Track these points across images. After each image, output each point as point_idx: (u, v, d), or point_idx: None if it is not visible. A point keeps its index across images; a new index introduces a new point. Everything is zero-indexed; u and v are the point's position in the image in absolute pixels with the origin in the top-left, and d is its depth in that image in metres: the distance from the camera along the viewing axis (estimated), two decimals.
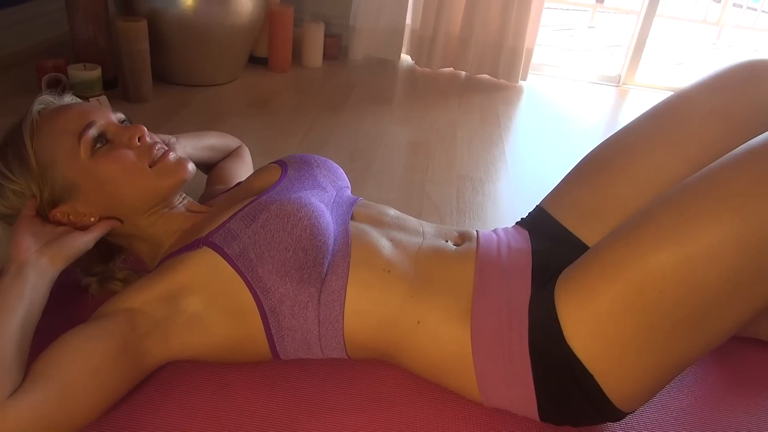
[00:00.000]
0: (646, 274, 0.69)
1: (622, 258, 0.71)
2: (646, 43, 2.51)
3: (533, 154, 1.82)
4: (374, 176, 1.55)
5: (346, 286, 0.80)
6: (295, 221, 0.78)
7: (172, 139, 1.04)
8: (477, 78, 2.51)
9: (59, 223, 0.84)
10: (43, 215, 0.83)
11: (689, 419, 0.89)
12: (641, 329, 0.70)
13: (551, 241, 0.89)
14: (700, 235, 0.67)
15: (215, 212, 0.88)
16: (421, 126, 1.93)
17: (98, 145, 0.82)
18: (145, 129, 0.86)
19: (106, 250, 0.96)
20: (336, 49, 2.49)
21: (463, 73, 2.54)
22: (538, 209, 0.97)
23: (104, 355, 0.72)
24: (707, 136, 0.86)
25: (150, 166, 0.84)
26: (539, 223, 0.94)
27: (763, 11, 4.67)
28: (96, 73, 1.69)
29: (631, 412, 0.78)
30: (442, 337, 0.80)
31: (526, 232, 0.93)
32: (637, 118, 0.94)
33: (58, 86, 1.69)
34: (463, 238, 0.91)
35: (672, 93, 0.94)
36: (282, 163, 0.96)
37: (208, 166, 1.19)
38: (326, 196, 0.90)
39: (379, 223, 0.91)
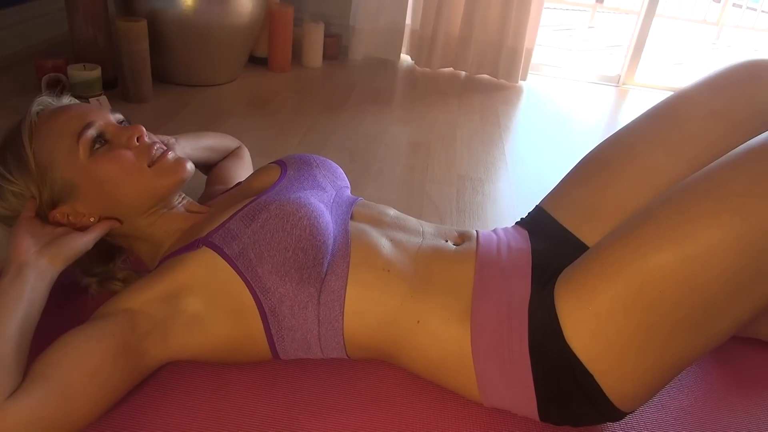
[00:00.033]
0: (646, 274, 0.69)
1: (622, 258, 0.71)
2: (646, 43, 2.51)
3: (533, 154, 1.82)
4: (374, 176, 1.55)
5: (345, 285, 0.80)
6: (295, 221, 0.78)
7: (171, 139, 1.04)
8: (477, 78, 2.51)
9: (59, 224, 0.83)
10: (42, 216, 0.83)
11: (689, 419, 0.89)
12: (641, 329, 0.70)
13: (551, 241, 0.89)
14: (700, 235, 0.67)
15: (215, 212, 0.88)
16: (421, 126, 1.93)
17: (97, 146, 0.82)
18: (144, 129, 0.86)
19: (106, 251, 0.96)
20: (336, 49, 2.49)
21: (463, 73, 2.54)
22: (538, 209, 0.97)
23: (104, 355, 0.72)
24: (707, 136, 0.86)
25: (149, 166, 0.84)
26: (539, 223, 0.94)
27: (762, 11, 4.67)
28: (96, 73, 1.69)
29: (630, 412, 0.78)
30: (441, 336, 0.80)
31: (526, 232, 0.93)
32: (636, 118, 0.94)
33: (57, 86, 1.69)
34: (462, 238, 0.91)
35: (672, 93, 0.94)
36: (281, 163, 0.96)
37: (208, 167, 1.19)
38: (326, 196, 0.90)
39: (378, 222, 0.91)
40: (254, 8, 1.98)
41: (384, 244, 0.85)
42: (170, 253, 0.83)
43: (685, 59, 3.85)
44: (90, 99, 1.66)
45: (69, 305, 0.96)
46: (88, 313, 0.80)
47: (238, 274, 0.76)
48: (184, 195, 0.95)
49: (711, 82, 0.90)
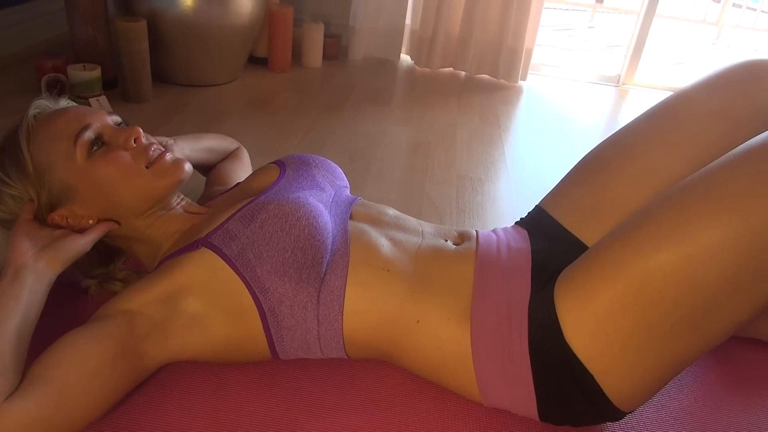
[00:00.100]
0: (646, 274, 0.69)
1: (622, 258, 0.71)
2: (646, 43, 2.51)
3: (533, 154, 1.82)
4: (374, 176, 1.55)
5: (345, 285, 0.80)
6: (294, 221, 0.78)
7: (170, 140, 1.04)
8: (477, 78, 2.51)
9: (58, 227, 0.83)
10: (41, 219, 0.83)
11: (689, 419, 0.89)
12: (641, 329, 0.70)
13: (550, 241, 0.89)
14: (699, 235, 0.67)
15: (214, 213, 0.88)
16: (420, 126, 1.93)
17: (94, 148, 0.82)
18: (141, 130, 0.86)
19: (105, 253, 0.96)
20: (336, 49, 2.49)
21: (463, 73, 2.54)
22: (538, 209, 0.97)
23: (103, 356, 0.72)
24: (707, 136, 0.86)
25: (146, 167, 0.84)
26: (538, 223, 0.94)
27: (762, 11, 4.67)
28: (95, 73, 1.69)
29: (630, 412, 0.78)
30: (441, 336, 0.80)
31: (526, 231, 0.93)
32: (636, 118, 0.94)
33: (57, 86, 1.69)
34: (462, 237, 0.91)
35: (672, 93, 0.94)
36: (280, 164, 0.96)
37: (207, 168, 1.19)
38: (324, 196, 0.90)
39: (378, 222, 0.91)
40: (254, 8, 1.98)
41: (383, 243, 0.85)
42: (169, 254, 0.83)
43: (684, 59, 3.85)
44: (90, 99, 1.66)
45: (69, 306, 0.96)
46: (88, 314, 0.81)
47: (237, 274, 0.76)
48: (182, 196, 0.95)
49: (711, 82, 0.90)
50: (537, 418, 0.80)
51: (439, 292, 0.81)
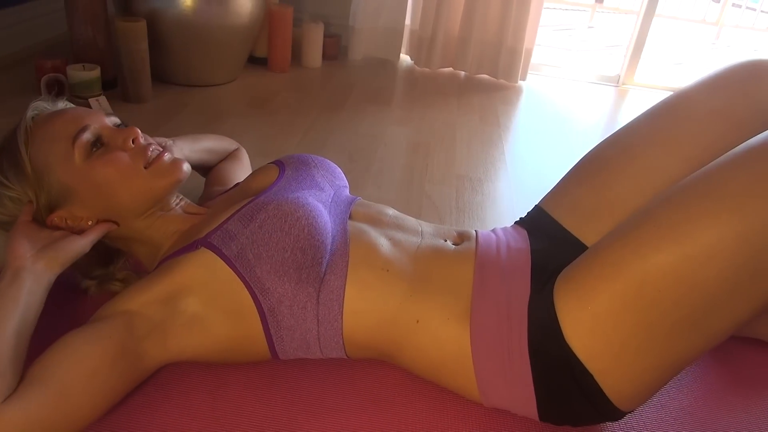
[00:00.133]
0: (646, 274, 0.69)
1: (622, 257, 0.71)
2: (646, 43, 2.51)
3: (532, 154, 1.82)
4: (373, 176, 1.55)
5: (344, 285, 0.80)
6: (293, 221, 0.78)
7: (169, 141, 1.04)
8: (476, 78, 2.51)
9: (57, 228, 0.83)
10: (40, 221, 0.83)
11: (689, 419, 0.89)
12: (640, 328, 0.70)
13: (550, 241, 0.89)
14: (699, 235, 0.67)
15: (213, 213, 0.88)
16: (420, 126, 1.93)
17: (93, 149, 0.82)
18: (139, 131, 0.86)
19: (105, 254, 0.96)
20: (335, 49, 2.49)
21: (463, 73, 2.54)
22: (537, 209, 0.97)
23: (102, 357, 0.72)
24: (707, 136, 0.86)
25: (145, 168, 0.84)
26: (538, 223, 0.94)
27: (762, 11, 4.66)
28: (95, 73, 1.68)
29: (630, 412, 0.78)
30: (441, 336, 0.80)
31: (525, 231, 0.93)
32: (636, 118, 0.94)
33: (57, 87, 1.69)
34: (462, 237, 0.91)
35: (671, 93, 0.94)
36: (279, 164, 0.96)
37: (206, 169, 1.19)
38: (324, 196, 0.90)
39: (377, 222, 0.91)
40: (254, 8, 1.98)
41: (383, 243, 0.85)
42: (169, 254, 0.83)
43: (684, 59, 3.85)
44: (89, 99, 1.66)
45: (68, 307, 0.96)
46: (88, 314, 0.80)
47: (236, 274, 0.76)
48: (181, 197, 0.95)
49: (711, 82, 0.90)
50: (537, 418, 0.80)
51: (439, 292, 0.81)
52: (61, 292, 0.89)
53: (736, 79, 0.88)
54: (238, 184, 1.00)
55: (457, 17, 2.41)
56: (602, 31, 4.49)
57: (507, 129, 2.00)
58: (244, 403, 0.83)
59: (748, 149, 0.69)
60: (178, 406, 0.82)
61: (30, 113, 0.84)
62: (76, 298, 0.97)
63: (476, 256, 0.85)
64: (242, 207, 0.82)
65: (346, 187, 0.99)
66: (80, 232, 0.84)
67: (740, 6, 4.46)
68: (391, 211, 0.95)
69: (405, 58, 2.64)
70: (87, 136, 0.82)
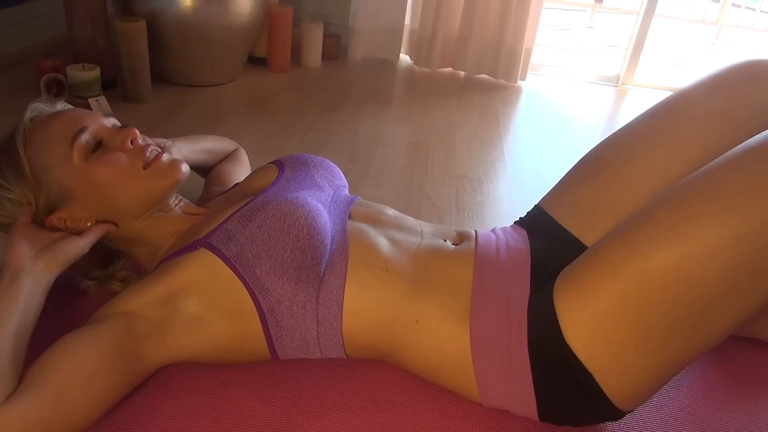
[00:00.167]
0: (645, 274, 0.69)
1: (621, 257, 0.71)
2: (645, 43, 2.51)
3: (532, 154, 1.82)
4: (373, 176, 1.55)
5: (344, 285, 0.80)
6: (292, 221, 0.78)
7: (168, 142, 1.04)
8: (476, 78, 2.51)
9: (56, 229, 0.83)
10: (39, 222, 0.83)
11: (689, 419, 0.89)
12: (640, 328, 0.70)
13: (550, 241, 0.89)
14: (698, 235, 0.67)
15: (213, 213, 0.88)
16: (420, 126, 1.93)
17: (91, 150, 0.82)
18: (138, 132, 0.86)
19: (104, 254, 0.95)
20: (335, 49, 2.49)
21: (462, 73, 2.54)
22: (537, 209, 0.97)
23: (101, 358, 0.72)
24: (707, 136, 0.86)
25: (143, 168, 0.84)
26: (538, 223, 0.94)
27: (761, 11, 4.67)
28: (95, 73, 1.68)
29: (630, 412, 0.78)
30: (441, 336, 0.80)
31: (525, 231, 0.93)
32: (636, 118, 0.94)
33: (56, 87, 1.69)
34: (461, 237, 0.91)
35: (671, 93, 0.94)
36: (279, 164, 0.96)
37: (206, 170, 1.19)
38: (323, 196, 0.90)
39: (377, 222, 0.91)
40: (253, 8, 1.98)
41: (382, 243, 0.85)
42: (168, 255, 0.83)
43: (684, 59, 3.85)
44: (89, 99, 1.66)
45: (68, 308, 0.96)
46: (87, 315, 0.80)
47: (236, 274, 0.76)
48: (181, 197, 0.94)
49: (711, 82, 0.90)
50: (536, 418, 0.80)
51: (439, 292, 0.81)
52: (60, 293, 0.89)
53: (736, 79, 0.88)
54: (237, 184, 1.00)
55: (456, 17, 2.41)
56: (602, 31, 4.49)
57: (507, 129, 2.00)
58: (243, 403, 0.83)
59: (748, 149, 0.69)
60: (178, 406, 0.82)
61: (28, 115, 0.84)
62: (76, 298, 0.97)
63: (476, 256, 0.85)
64: (241, 207, 0.82)
65: (345, 186, 0.99)
66: (79, 233, 0.84)
67: (740, 6, 4.46)
68: (390, 211, 0.95)
69: (405, 58, 2.64)
70: (85, 137, 0.82)
